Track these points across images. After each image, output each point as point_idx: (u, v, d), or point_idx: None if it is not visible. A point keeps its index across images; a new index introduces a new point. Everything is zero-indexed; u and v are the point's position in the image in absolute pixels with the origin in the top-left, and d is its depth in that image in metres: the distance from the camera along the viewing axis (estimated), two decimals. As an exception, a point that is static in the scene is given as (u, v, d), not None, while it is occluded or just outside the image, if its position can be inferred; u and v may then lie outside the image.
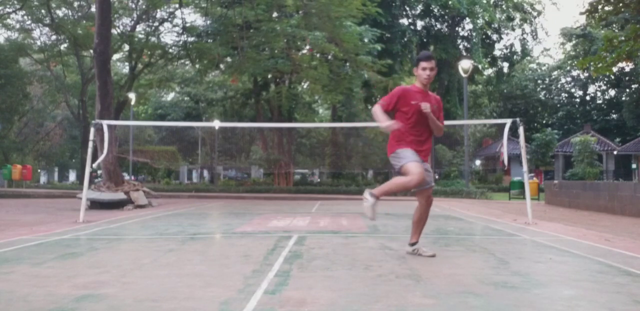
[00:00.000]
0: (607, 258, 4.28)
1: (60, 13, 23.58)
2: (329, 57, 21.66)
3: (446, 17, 29.17)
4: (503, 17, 29.75)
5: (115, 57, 24.07)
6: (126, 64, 25.87)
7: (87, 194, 8.79)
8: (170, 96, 38.01)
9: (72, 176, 41.26)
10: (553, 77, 40.65)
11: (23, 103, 29.05)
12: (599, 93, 39.86)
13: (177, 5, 19.97)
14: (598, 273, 3.62)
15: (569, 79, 40.33)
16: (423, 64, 4.10)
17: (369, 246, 4.96)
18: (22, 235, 5.84)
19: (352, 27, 18.33)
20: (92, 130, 8.21)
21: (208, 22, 20.48)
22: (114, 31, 19.20)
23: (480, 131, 37.15)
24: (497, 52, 32.48)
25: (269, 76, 23.25)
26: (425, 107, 4.01)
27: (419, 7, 28.75)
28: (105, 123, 8.82)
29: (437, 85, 26.46)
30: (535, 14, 32.09)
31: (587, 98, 39.78)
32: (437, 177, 24.03)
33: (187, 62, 23.58)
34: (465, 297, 2.85)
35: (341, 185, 21.90)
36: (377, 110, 4.05)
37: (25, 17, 23.78)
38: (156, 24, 22.80)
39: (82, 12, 23.81)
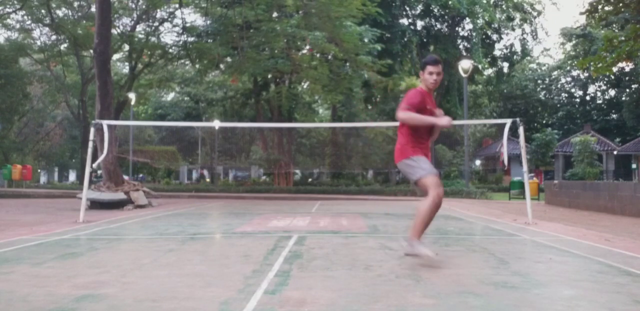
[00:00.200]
0: (607, 258, 4.28)
1: (60, 13, 23.60)
2: (329, 57, 21.67)
3: (446, 17, 29.18)
4: (503, 17, 29.76)
5: (115, 57, 24.08)
6: (126, 64, 25.89)
7: (87, 194, 8.79)
8: (170, 96, 38.03)
9: (72, 176, 41.26)
10: (553, 77, 40.65)
11: (23, 103, 29.05)
12: (599, 93, 39.88)
13: (177, 5, 19.98)
14: (598, 273, 3.62)
15: (569, 79, 40.34)
16: (430, 68, 4.02)
17: (369, 246, 4.96)
18: (22, 235, 5.84)
19: (352, 27, 18.34)
20: (92, 130, 8.20)
21: (208, 22, 20.48)
22: (114, 31, 19.21)
23: (480, 131, 37.16)
24: (497, 52, 32.50)
25: (269, 76, 23.25)
26: (449, 123, 3.94)
27: (419, 7, 28.76)
28: (105, 123, 8.82)
29: (437, 85, 26.42)
30: (535, 14, 32.10)
31: (587, 98, 39.79)
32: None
33: (187, 62, 23.59)
34: (465, 297, 2.85)
35: (341, 185, 21.90)
36: (409, 114, 3.88)
37: (25, 17, 23.79)
38: (156, 24, 22.81)
39: (82, 12, 23.82)
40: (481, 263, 4.04)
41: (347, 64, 21.16)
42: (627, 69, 33.64)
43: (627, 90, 36.66)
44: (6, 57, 24.91)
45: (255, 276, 3.41)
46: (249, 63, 18.49)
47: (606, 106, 38.69)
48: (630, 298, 2.87)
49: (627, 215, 9.93)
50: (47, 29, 24.44)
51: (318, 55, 21.79)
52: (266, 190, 20.63)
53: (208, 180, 32.84)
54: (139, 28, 22.67)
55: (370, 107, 29.27)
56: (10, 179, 23.09)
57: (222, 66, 22.26)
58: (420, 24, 29.60)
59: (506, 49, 33.22)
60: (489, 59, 31.31)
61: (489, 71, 34.25)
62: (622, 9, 13.48)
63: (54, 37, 24.84)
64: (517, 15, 31.06)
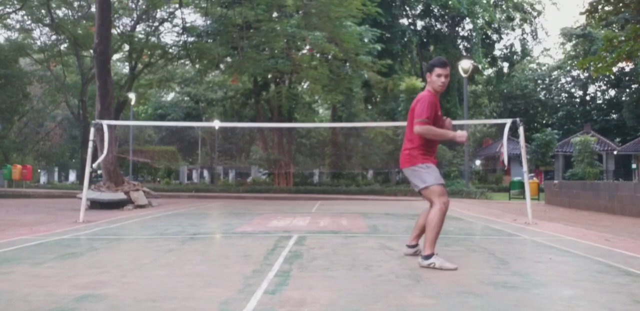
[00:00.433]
0: (607, 258, 4.28)
1: (60, 13, 23.59)
2: (329, 57, 21.67)
3: (446, 17, 29.20)
4: (503, 17, 29.79)
5: (115, 57, 24.09)
6: (126, 64, 25.90)
7: (87, 194, 8.79)
8: (170, 96, 38.03)
9: (72, 176, 41.26)
10: (553, 77, 40.65)
11: (23, 103, 29.06)
12: (599, 93, 39.88)
13: (177, 5, 19.98)
14: (598, 273, 3.62)
15: (569, 79, 40.34)
16: (438, 71, 3.95)
17: (369, 246, 4.96)
18: (22, 235, 5.84)
19: (352, 27, 18.34)
20: (92, 130, 8.21)
21: (208, 22, 20.48)
22: (114, 31, 19.21)
23: (480, 131, 37.17)
24: (497, 52, 32.54)
25: (269, 76, 23.25)
26: (464, 138, 3.91)
27: (419, 7, 28.78)
28: (105, 123, 8.81)
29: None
30: (535, 14, 32.14)
31: (587, 98, 39.79)
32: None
33: (187, 62, 23.57)
34: (465, 297, 2.85)
35: (341, 185, 21.90)
36: (428, 129, 3.83)
37: (25, 17, 23.79)
38: (156, 24, 22.81)
39: (82, 12, 23.82)
40: (481, 263, 4.04)
41: (347, 64, 21.16)
42: (627, 69, 33.65)
43: (627, 90, 36.66)
44: (6, 57, 24.92)
45: (255, 276, 3.41)
46: (249, 63, 18.49)
47: (606, 106, 38.69)
48: (630, 298, 2.87)
49: (627, 215, 9.94)
50: (47, 29, 24.45)
51: (318, 55, 21.80)
52: (266, 190, 20.63)
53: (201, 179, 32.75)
54: (139, 28, 22.69)
55: (370, 107, 29.28)
56: (10, 179, 23.09)
57: (222, 66, 22.26)
58: (420, 24, 29.63)
59: (506, 49, 33.26)
60: (489, 59, 31.34)
61: (489, 71, 34.28)
62: (622, 9, 13.47)
63: (54, 37, 24.85)
64: (517, 15, 31.09)
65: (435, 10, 28.71)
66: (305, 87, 26.56)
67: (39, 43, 25.86)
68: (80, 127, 27.83)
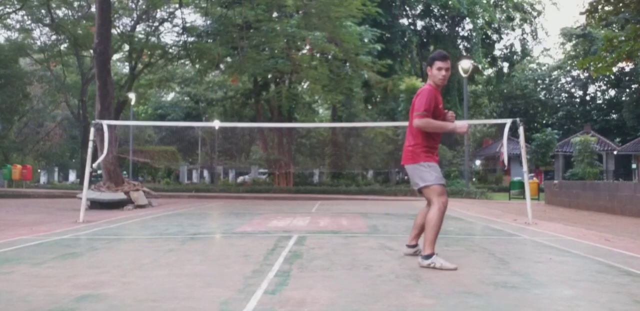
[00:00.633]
0: (607, 258, 4.28)
1: (60, 13, 23.60)
2: (329, 57, 21.67)
3: (446, 17, 29.20)
4: (503, 17, 29.80)
5: (115, 57, 24.08)
6: (126, 64, 25.89)
7: (87, 194, 8.79)
8: (170, 96, 38.03)
9: (72, 176, 41.27)
10: (553, 77, 40.65)
11: (23, 103, 29.05)
12: (599, 93, 39.89)
13: (177, 5, 19.97)
14: (598, 273, 3.62)
15: (569, 79, 40.34)
16: (438, 64, 3.94)
17: (369, 246, 4.96)
18: (22, 235, 5.84)
19: (352, 27, 18.34)
20: (92, 130, 8.21)
21: (208, 22, 20.48)
22: (114, 31, 19.20)
23: (480, 131, 37.16)
24: (497, 52, 32.54)
25: (269, 76, 23.25)
26: (467, 128, 3.90)
27: (419, 7, 28.79)
28: (105, 123, 8.82)
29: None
30: (535, 14, 32.16)
31: (587, 98, 39.79)
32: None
33: (187, 62, 23.58)
34: (465, 297, 2.85)
35: (341, 185, 21.90)
36: (427, 122, 3.83)
37: (25, 17, 23.80)
38: (156, 24, 22.80)
39: (82, 12, 23.81)
40: (481, 263, 4.04)
41: (347, 64, 21.16)
42: (627, 69, 33.65)
43: (627, 90, 36.66)
44: (6, 57, 24.92)
45: (255, 276, 3.41)
46: (249, 63, 18.48)
47: (606, 106, 38.69)
48: (630, 298, 2.87)
49: (627, 215, 9.93)
50: (47, 29, 24.46)
51: (318, 55, 21.79)
52: (266, 190, 20.63)
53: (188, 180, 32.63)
54: (139, 28, 22.68)
55: (370, 107, 29.28)
56: (10, 179, 23.09)
57: (222, 66, 22.25)
58: (420, 24, 29.65)
59: (506, 49, 33.26)
60: (489, 59, 31.34)
61: (489, 71, 34.29)
62: (622, 9, 13.47)
63: (54, 37, 24.86)
64: (517, 15, 31.10)
65: (435, 10, 28.72)
66: (305, 87, 26.56)
67: (39, 43, 25.88)
68: (80, 127, 27.82)
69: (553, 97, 40.48)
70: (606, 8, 13.49)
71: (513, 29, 31.67)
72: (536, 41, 42.16)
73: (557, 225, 7.40)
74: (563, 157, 29.88)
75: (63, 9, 23.73)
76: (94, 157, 8.67)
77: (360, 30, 19.12)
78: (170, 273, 3.55)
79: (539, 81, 40.45)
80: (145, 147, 30.49)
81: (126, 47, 23.26)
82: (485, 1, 27.40)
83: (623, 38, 12.99)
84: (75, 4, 23.71)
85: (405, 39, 26.30)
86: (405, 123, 4.18)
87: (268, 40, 18.99)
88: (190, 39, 20.56)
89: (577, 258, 4.37)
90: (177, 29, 22.02)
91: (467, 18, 27.76)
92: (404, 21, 28.19)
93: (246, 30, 17.97)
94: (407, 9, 28.25)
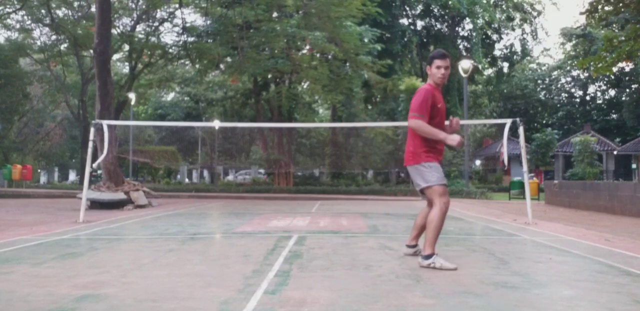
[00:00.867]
0: (607, 258, 4.28)
1: (60, 13, 23.60)
2: (329, 57, 21.67)
3: (446, 17, 29.20)
4: (503, 17, 29.79)
5: (115, 57, 24.09)
6: (126, 64, 25.89)
7: (87, 194, 8.80)
8: (170, 96, 38.03)
9: (71, 176, 41.27)
10: (553, 77, 40.66)
11: (23, 103, 29.05)
12: (599, 93, 39.89)
13: (177, 5, 19.98)
14: (598, 273, 3.62)
15: (569, 79, 40.34)
16: (437, 62, 3.93)
17: (369, 246, 4.96)
18: (22, 235, 5.84)
19: (352, 27, 18.34)
20: (92, 130, 8.21)
21: (208, 22, 20.48)
22: (114, 31, 19.20)
23: (480, 131, 37.16)
24: (497, 52, 32.53)
25: (269, 76, 23.25)
26: (459, 143, 3.77)
27: (419, 7, 28.78)
28: (105, 123, 8.82)
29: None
30: (535, 14, 32.14)
31: (587, 98, 39.79)
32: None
33: (187, 62, 23.58)
34: (465, 297, 2.85)
35: (341, 185, 21.90)
36: (420, 125, 3.79)
37: (25, 17, 23.80)
38: (156, 24, 22.81)
39: (82, 12, 23.82)
40: (481, 263, 4.04)
41: (347, 64, 21.16)
42: (627, 69, 33.65)
43: (627, 90, 36.66)
44: (6, 57, 24.91)
45: (255, 276, 3.41)
46: (249, 63, 18.48)
47: (606, 106, 38.69)
48: (630, 298, 2.87)
49: (627, 215, 9.93)
50: (47, 29, 24.46)
51: (318, 55, 21.79)
52: (266, 190, 20.62)
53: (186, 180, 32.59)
54: (139, 28, 22.69)
55: (370, 107, 29.28)
56: (10, 179, 23.08)
57: (222, 66, 22.25)
58: (420, 24, 29.64)
59: (506, 49, 33.25)
60: (489, 59, 31.34)
61: (489, 71, 34.28)
62: (622, 9, 13.47)
63: (54, 37, 24.86)
64: (517, 15, 31.09)
65: (435, 10, 28.71)
66: (305, 87, 26.56)
67: (39, 43, 25.87)
68: (80, 127, 27.82)
69: (553, 97, 40.48)
70: (606, 8, 13.50)
71: (513, 29, 31.67)
72: (536, 41, 42.19)
73: (557, 225, 7.40)
74: (563, 157, 29.88)
75: (63, 9, 23.74)
76: (94, 157, 8.67)
77: (360, 30, 19.11)
78: (170, 273, 3.55)
79: (539, 81, 40.45)
80: (145, 147, 30.49)
81: (126, 47, 23.26)
82: (485, 1, 27.40)
83: (623, 38, 12.99)
84: (75, 4, 23.71)
85: (405, 39, 26.30)
86: (405, 123, 4.18)
87: (268, 40, 18.99)
88: (190, 39, 20.57)
89: (577, 258, 4.37)
90: (177, 29, 22.05)
91: (467, 18, 27.75)
92: (404, 21, 28.19)
93: (246, 30, 17.96)
94: (407, 9, 28.25)
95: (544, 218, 8.74)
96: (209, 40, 20.44)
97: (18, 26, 24.59)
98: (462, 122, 15.69)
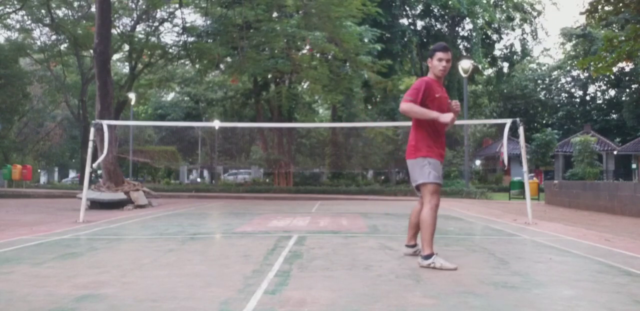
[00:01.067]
0: (607, 258, 4.28)
1: (60, 13, 23.59)
2: (329, 57, 21.67)
3: (446, 17, 29.20)
4: (503, 17, 29.79)
5: (115, 57, 24.08)
6: (126, 64, 25.89)
7: (87, 194, 8.80)
8: (170, 96, 38.02)
9: (71, 175, 41.27)
10: (553, 77, 40.66)
11: (23, 103, 29.04)
12: (599, 93, 39.89)
13: (177, 5, 19.97)
14: (598, 273, 3.62)
15: (569, 79, 40.34)
16: (439, 55, 3.93)
17: (369, 246, 4.96)
18: (22, 235, 5.84)
19: (352, 27, 18.33)
20: (92, 130, 8.21)
21: (208, 22, 20.47)
22: (114, 31, 19.20)
23: (480, 131, 37.13)
24: (497, 52, 32.52)
25: (269, 76, 23.25)
26: (452, 119, 3.79)
27: (419, 7, 28.78)
28: (105, 123, 8.82)
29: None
30: (535, 14, 32.14)
31: (587, 98, 39.79)
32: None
33: (187, 62, 23.57)
34: (465, 297, 2.85)
35: (341, 185, 21.90)
36: (411, 107, 3.79)
37: (25, 17, 23.80)
38: (156, 24, 22.80)
39: (82, 12, 23.81)
40: (481, 263, 4.04)
41: (347, 64, 21.16)
42: (627, 69, 33.65)
43: (627, 90, 36.66)
44: (6, 57, 24.90)
45: (255, 276, 3.41)
46: (249, 63, 18.49)
47: (606, 106, 38.69)
48: (630, 298, 2.87)
49: (627, 215, 9.94)
50: (47, 29, 24.45)
51: (318, 55, 21.79)
52: (266, 190, 20.63)
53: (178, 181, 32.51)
54: (139, 28, 22.68)
55: (370, 107, 29.28)
56: (10, 179, 23.09)
57: (222, 66, 22.25)
58: (420, 24, 29.63)
59: (506, 49, 33.25)
60: (489, 59, 31.33)
61: (489, 71, 34.28)
62: (622, 9, 13.47)
63: (54, 37, 24.85)
64: (517, 15, 31.09)
65: (435, 10, 28.71)
66: (305, 87, 26.56)
67: (39, 43, 25.86)
68: (80, 127, 27.82)
69: (553, 97, 40.48)
70: (606, 8, 13.49)
71: (513, 29, 31.66)
72: (536, 41, 42.19)
73: (557, 225, 7.40)
74: (563, 157, 29.88)
75: (63, 9, 23.72)
76: (94, 157, 8.67)
77: (360, 30, 19.11)
78: (170, 273, 3.55)
79: (539, 81, 40.44)
80: (145, 147, 30.50)
81: (126, 47, 23.26)
82: (485, 1, 27.39)
83: (623, 38, 13.00)
84: (75, 4, 23.70)
85: (405, 39, 26.29)
86: (405, 123, 4.19)
87: (268, 40, 18.99)
88: (190, 39, 20.56)
89: (577, 258, 4.37)
90: (177, 29, 22.05)
91: (467, 18, 27.75)
92: (404, 21, 28.18)
93: (246, 30, 17.97)
94: (407, 9, 28.24)
95: (544, 218, 8.74)
96: (209, 40, 20.43)
97: (18, 26, 24.60)
98: (462, 122, 15.67)
